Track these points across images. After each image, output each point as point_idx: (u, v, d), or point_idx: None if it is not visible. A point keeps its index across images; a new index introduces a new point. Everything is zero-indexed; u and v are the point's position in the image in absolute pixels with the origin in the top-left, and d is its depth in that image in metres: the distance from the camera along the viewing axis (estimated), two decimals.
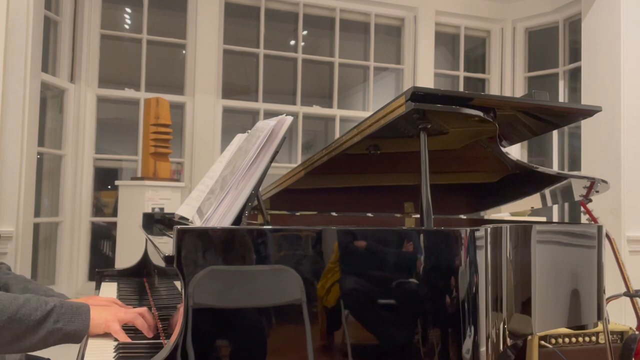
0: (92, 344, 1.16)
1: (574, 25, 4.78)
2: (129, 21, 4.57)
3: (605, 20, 4.07)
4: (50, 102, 4.04)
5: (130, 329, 1.21)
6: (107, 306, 1.26)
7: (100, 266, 2.44)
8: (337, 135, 4.79)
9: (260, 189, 1.21)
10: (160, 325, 1.29)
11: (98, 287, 1.89)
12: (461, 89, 5.18)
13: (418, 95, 1.14)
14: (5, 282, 1.49)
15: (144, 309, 1.23)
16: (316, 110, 4.79)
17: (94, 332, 1.15)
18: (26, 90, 3.30)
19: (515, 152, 4.90)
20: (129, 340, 1.16)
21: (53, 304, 1.10)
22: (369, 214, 2.41)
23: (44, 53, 3.61)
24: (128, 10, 4.55)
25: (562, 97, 4.88)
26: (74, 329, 1.10)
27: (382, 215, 2.40)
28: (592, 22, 4.21)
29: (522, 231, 1.35)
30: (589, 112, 1.37)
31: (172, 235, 0.98)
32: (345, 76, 4.99)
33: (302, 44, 4.78)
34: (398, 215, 2.33)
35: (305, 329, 1.00)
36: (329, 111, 4.82)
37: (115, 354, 1.11)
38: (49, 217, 3.95)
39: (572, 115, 1.45)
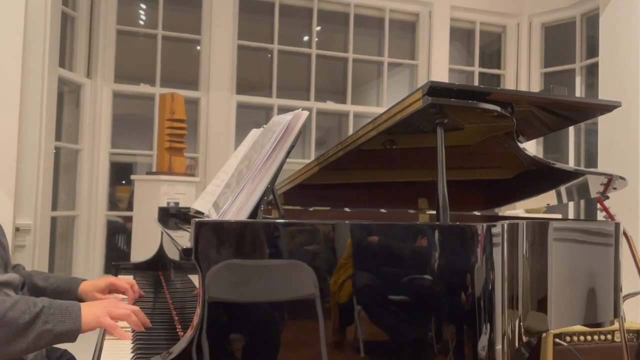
0: (109, 336, 1.18)
1: (592, 21, 4.71)
2: (144, 17, 4.60)
3: (624, 15, 4.01)
4: (67, 97, 4.08)
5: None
6: (98, 301, 1.26)
7: (116, 260, 2.47)
8: (350, 131, 4.78)
9: (275, 184, 1.22)
10: (177, 317, 1.31)
11: None
12: (476, 84, 5.14)
13: (435, 90, 1.14)
14: (27, 274, 1.54)
15: (136, 308, 1.22)
16: (330, 106, 4.79)
17: (86, 329, 1.12)
18: (44, 86, 3.34)
19: (531, 148, 4.85)
20: (126, 336, 1.16)
21: (41, 305, 1.08)
22: (383, 210, 2.40)
23: (60, 48, 3.65)
24: (143, 6, 4.57)
25: (579, 93, 4.83)
26: (65, 329, 1.08)
27: (395, 211, 2.39)
28: (610, 17, 4.15)
29: (539, 228, 1.34)
30: (608, 107, 1.36)
31: (188, 229, 0.99)
32: (359, 72, 4.98)
33: (316, 39, 4.77)
34: (412, 211, 2.33)
35: (319, 324, 1.00)
36: (343, 107, 4.81)
37: (133, 345, 1.12)
38: (65, 211, 4.00)
39: (590, 111, 1.43)
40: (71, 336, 1.10)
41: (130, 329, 1.21)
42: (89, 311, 1.13)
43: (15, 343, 1.04)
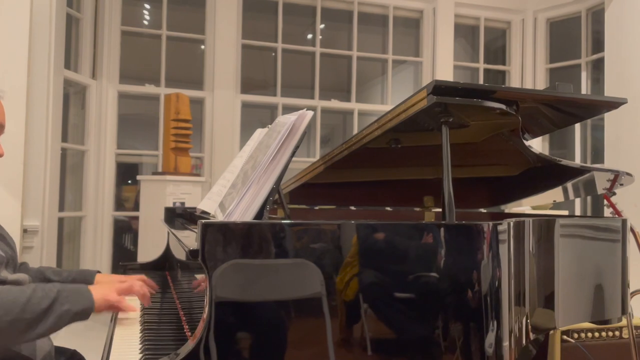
0: (118, 337, 1.19)
1: (597, 15, 4.68)
2: (148, 17, 4.61)
3: (629, 10, 3.98)
4: (73, 98, 4.10)
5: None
6: (103, 282, 1.39)
7: (123, 260, 2.48)
8: (355, 129, 4.78)
9: (280, 184, 1.22)
10: (184, 318, 1.31)
11: None
12: (481, 81, 5.13)
13: (440, 89, 1.14)
14: (38, 270, 1.57)
15: (141, 276, 1.34)
16: (334, 104, 4.79)
17: (97, 309, 1.21)
18: (50, 87, 3.35)
19: (537, 144, 4.83)
20: (133, 308, 1.26)
21: (57, 289, 1.17)
22: (388, 208, 2.40)
23: (66, 50, 3.66)
24: (147, 6, 4.59)
25: (585, 88, 4.80)
26: (81, 307, 1.17)
27: (401, 209, 2.39)
28: (616, 12, 4.12)
29: (545, 225, 1.34)
30: (614, 104, 1.35)
31: (194, 229, 0.99)
32: (364, 69, 4.97)
33: (320, 37, 4.77)
34: (417, 209, 2.32)
35: (325, 322, 1.00)
36: (347, 105, 4.81)
37: (141, 345, 1.13)
38: (72, 212, 4.03)
39: (596, 108, 1.42)
40: (86, 314, 1.19)
41: (138, 330, 1.22)
42: (96, 291, 1.22)
43: (37, 327, 1.12)
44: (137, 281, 1.32)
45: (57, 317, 1.13)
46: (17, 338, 1.13)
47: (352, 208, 2.41)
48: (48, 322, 1.12)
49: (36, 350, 1.34)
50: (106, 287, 1.27)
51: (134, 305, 1.28)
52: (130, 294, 1.30)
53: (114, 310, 1.28)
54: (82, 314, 1.18)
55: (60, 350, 1.56)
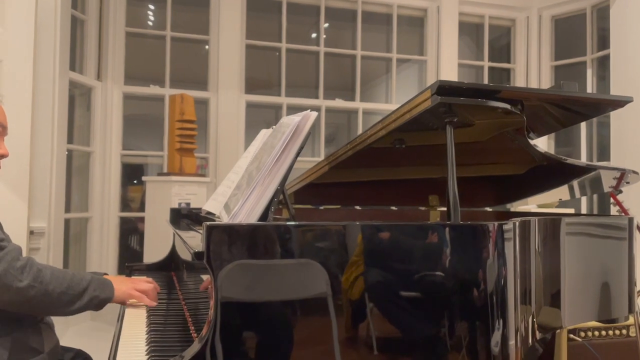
0: (124, 337, 1.20)
1: (602, 12, 4.66)
2: (152, 18, 4.62)
3: (635, 6, 3.96)
4: (78, 99, 4.11)
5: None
6: (123, 278, 1.56)
7: (129, 260, 2.49)
8: (360, 128, 4.78)
9: (285, 184, 1.22)
10: (190, 319, 1.32)
11: None
12: (486, 79, 5.11)
13: (444, 89, 1.13)
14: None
15: (152, 284, 1.54)
16: (339, 103, 4.78)
17: (119, 300, 1.42)
18: (55, 89, 3.37)
19: (542, 142, 4.81)
20: (153, 303, 1.45)
21: (90, 276, 1.38)
22: (393, 207, 2.40)
23: (71, 52, 3.67)
24: (152, 7, 4.60)
25: (590, 85, 4.78)
26: (106, 296, 1.38)
27: (406, 208, 2.39)
28: (621, 9, 4.10)
29: (551, 224, 1.33)
30: (620, 102, 1.34)
31: (199, 230, 1.00)
32: (368, 69, 4.96)
33: (324, 37, 4.77)
34: (422, 208, 2.32)
35: (331, 323, 1.00)
36: (352, 104, 4.81)
37: (147, 347, 1.14)
38: (79, 213, 4.04)
39: (602, 106, 1.42)
40: (105, 303, 1.38)
41: (144, 331, 1.23)
42: (119, 287, 1.42)
43: (75, 304, 1.31)
44: (154, 290, 1.50)
45: (89, 298, 1.32)
46: (59, 310, 1.30)
47: (357, 208, 2.41)
48: (82, 302, 1.31)
49: (44, 342, 1.37)
50: (128, 283, 1.46)
51: (153, 302, 1.46)
52: (141, 299, 1.45)
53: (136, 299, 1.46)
54: (105, 301, 1.37)
55: (65, 349, 1.57)
